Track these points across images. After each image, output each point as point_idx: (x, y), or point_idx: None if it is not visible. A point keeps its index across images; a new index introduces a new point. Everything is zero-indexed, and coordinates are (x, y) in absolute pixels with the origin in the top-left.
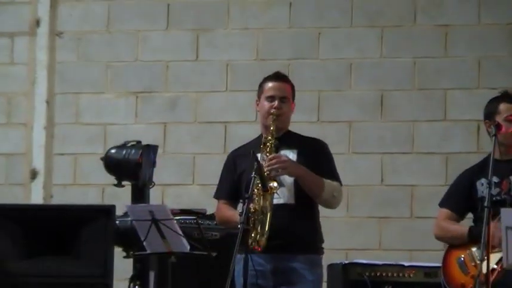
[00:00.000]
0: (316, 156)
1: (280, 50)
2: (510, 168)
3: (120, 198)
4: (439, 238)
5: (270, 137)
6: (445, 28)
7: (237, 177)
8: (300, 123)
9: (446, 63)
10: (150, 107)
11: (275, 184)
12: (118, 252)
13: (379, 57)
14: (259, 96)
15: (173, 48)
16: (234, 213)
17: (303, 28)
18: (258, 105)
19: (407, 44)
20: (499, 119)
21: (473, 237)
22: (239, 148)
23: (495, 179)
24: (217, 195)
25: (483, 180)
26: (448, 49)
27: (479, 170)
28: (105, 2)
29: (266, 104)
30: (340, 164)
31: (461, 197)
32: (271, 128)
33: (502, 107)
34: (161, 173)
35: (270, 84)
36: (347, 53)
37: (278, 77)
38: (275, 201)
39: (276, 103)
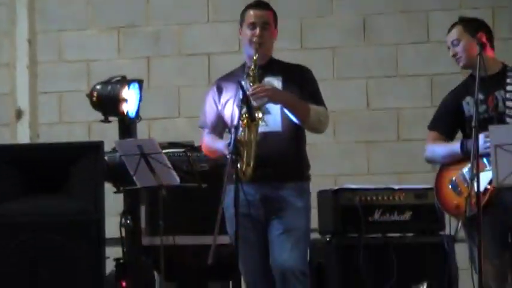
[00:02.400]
0: (300, 82)
1: None
2: (494, 83)
3: (107, 134)
4: (430, 160)
5: (253, 66)
6: None
7: (222, 106)
8: (284, 51)
9: None
10: (133, 42)
11: (260, 114)
12: (108, 187)
13: None
14: (241, 25)
15: None
16: (219, 143)
17: None
18: (240, 33)
19: None
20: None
21: (466, 148)
22: (223, 76)
23: (480, 96)
24: (202, 124)
25: (468, 99)
26: None
27: (463, 89)
28: None
29: (248, 32)
30: (325, 90)
31: (448, 118)
32: (254, 57)
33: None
34: (147, 107)
35: (251, 12)
36: None
37: (259, 4)
38: (262, 130)
39: (257, 31)
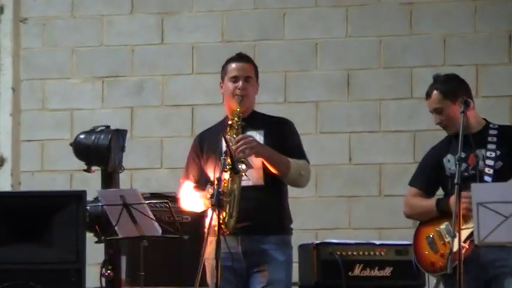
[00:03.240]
0: (282, 136)
1: (246, 31)
2: (476, 142)
3: (89, 183)
4: (408, 216)
5: (236, 118)
6: (410, 6)
7: (204, 160)
8: (267, 104)
9: (412, 40)
10: (117, 92)
11: (243, 166)
12: (89, 237)
13: (345, 37)
14: (222, 78)
15: (138, 32)
16: (201, 194)
17: (267, 9)
18: (222, 87)
19: (372, 22)
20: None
21: (442, 207)
22: (205, 130)
23: (462, 155)
24: (185, 178)
25: (449, 157)
26: (413, 27)
27: (444, 146)
28: None
29: (230, 85)
30: (308, 144)
31: (429, 175)
32: (237, 109)
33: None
34: (129, 157)
35: (233, 65)
36: (312, 33)
37: (241, 57)
38: (244, 183)
39: (240, 84)
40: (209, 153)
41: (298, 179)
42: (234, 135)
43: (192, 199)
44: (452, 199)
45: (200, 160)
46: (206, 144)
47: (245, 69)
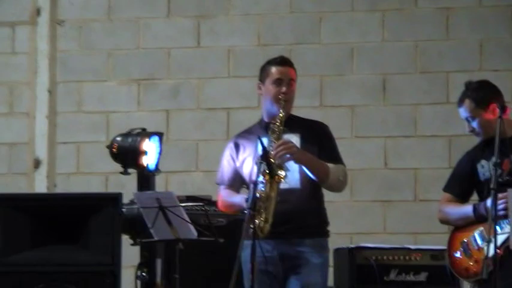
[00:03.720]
0: (319, 140)
1: (282, 35)
2: (509, 147)
3: (124, 186)
4: (443, 222)
5: (278, 123)
6: (446, 11)
7: (240, 163)
8: (303, 108)
9: (448, 46)
10: (153, 95)
11: (283, 173)
12: (125, 239)
13: (381, 41)
14: (262, 80)
15: (175, 35)
16: (237, 197)
17: (304, 13)
18: (260, 88)
19: (409, 27)
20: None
21: (479, 213)
22: (240, 133)
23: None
24: (220, 181)
25: (483, 162)
26: (450, 32)
27: (478, 152)
28: None
29: (273, 88)
30: (344, 148)
31: (463, 182)
32: (281, 114)
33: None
34: (165, 160)
35: (277, 68)
36: (349, 37)
37: (285, 61)
38: (281, 186)
39: (284, 88)
40: (245, 156)
41: (337, 184)
42: (275, 140)
43: (229, 203)
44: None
45: (235, 162)
46: (242, 147)
47: (288, 73)
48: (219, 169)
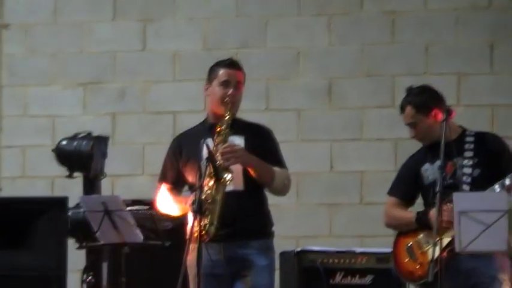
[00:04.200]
0: (263, 143)
1: (228, 38)
2: (453, 150)
3: (70, 190)
4: (388, 226)
5: (224, 126)
6: (392, 14)
7: (183, 164)
8: (249, 111)
9: (394, 49)
10: (98, 98)
11: (229, 176)
12: (71, 243)
13: (327, 45)
14: (210, 81)
15: (120, 39)
16: (181, 198)
17: (249, 16)
18: (206, 89)
19: (355, 31)
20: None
21: (421, 222)
22: (184, 133)
23: (439, 163)
24: (162, 179)
25: (427, 166)
26: (396, 35)
27: (421, 156)
28: None
29: (219, 90)
30: (289, 152)
31: (407, 185)
32: (227, 117)
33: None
34: (111, 163)
35: (224, 70)
36: (295, 41)
37: (233, 63)
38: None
39: (231, 90)
40: (188, 157)
41: (282, 188)
42: (221, 143)
43: (168, 203)
44: (432, 213)
45: (178, 163)
46: (186, 147)
47: (236, 75)
48: (162, 168)
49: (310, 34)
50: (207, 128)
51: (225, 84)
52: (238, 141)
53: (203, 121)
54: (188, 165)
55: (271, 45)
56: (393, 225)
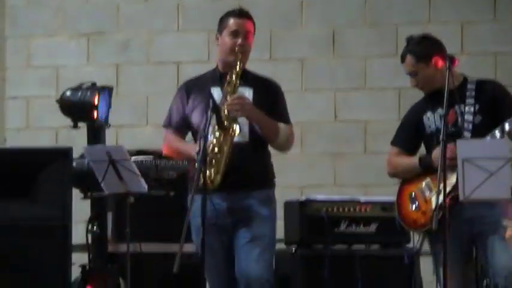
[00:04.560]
0: (271, 98)
1: None
2: (454, 98)
3: (75, 141)
4: (392, 175)
5: (234, 77)
6: None
7: (189, 110)
8: (252, 61)
9: None
10: (102, 49)
11: (237, 128)
12: (76, 193)
13: None
14: (220, 31)
15: None
16: (186, 145)
17: None
18: (217, 38)
19: None
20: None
21: (425, 164)
22: (193, 80)
23: (441, 111)
24: (167, 124)
25: (429, 114)
26: None
27: (424, 104)
28: None
29: (229, 40)
30: (293, 102)
31: (410, 135)
32: (237, 67)
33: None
34: (115, 114)
35: (234, 20)
36: None
37: (242, 13)
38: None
39: (240, 40)
40: (195, 104)
41: (285, 144)
42: (230, 93)
43: (177, 149)
44: (435, 152)
45: (185, 108)
46: (193, 94)
47: (246, 25)
48: (168, 112)
49: None
50: (217, 77)
51: (235, 34)
52: (247, 93)
53: (213, 69)
54: (195, 111)
55: None
56: (397, 173)
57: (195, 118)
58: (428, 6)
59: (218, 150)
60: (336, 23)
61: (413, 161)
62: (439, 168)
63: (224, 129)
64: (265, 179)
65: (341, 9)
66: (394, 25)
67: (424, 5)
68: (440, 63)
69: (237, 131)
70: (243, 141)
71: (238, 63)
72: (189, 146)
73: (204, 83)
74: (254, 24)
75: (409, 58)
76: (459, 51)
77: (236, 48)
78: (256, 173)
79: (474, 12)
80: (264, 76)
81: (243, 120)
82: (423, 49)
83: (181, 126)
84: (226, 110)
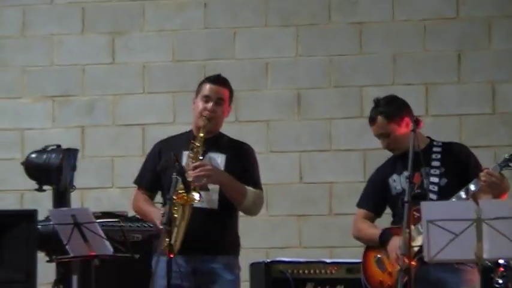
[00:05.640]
0: (243, 162)
1: (196, 50)
2: (420, 160)
3: (40, 203)
4: (356, 238)
5: (198, 143)
6: (360, 25)
7: (160, 170)
8: None
9: (361, 60)
10: (68, 111)
11: (197, 196)
12: (41, 256)
13: (295, 56)
14: (196, 95)
15: (89, 52)
16: (152, 210)
17: (217, 28)
18: (194, 103)
19: (323, 42)
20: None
21: (382, 243)
22: (166, 139)
23: (406, 174)
24: (138, 182)
25: (395, 177)
26: (363, 46)
27: (389, 167)
28: (19, 7)
29: (201, 104)
30: (259, 163)
31: (375, 197)
32: (201, 134)
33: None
34: (80, 176)
35: (208, 86)
36: (263, 53)
37: (217, 79)
38: (198, 205)
39: (210, 105)
40: (166, 165)
41: (252, 208)
42: (193, 161)
43: (144, 211)
44: (392, 244)
45: (156, 167)
46: (165, 154)
47: (219, 91)
48: (140, 171)
49: (278, 45)
50: (189, 139)
51: (206, 99)
52: (219, 159)
53: (188, 131)
54: (166, 173)
55: (240, 57)
56: (360, 239)
57: (166, 178)
58: (392, 68)
59: (179, 219)
60: (301, 84)
61: (374, 233)
62: (404, 230)
63: (189, 194)
64: (231, 245)
65: (306, 71)
66: (358, 87)
67: (389, 66)
68: (410, 124)
69: (196, 200)
70: (213, 208)
71: (202, 129)
72: (154, 213)
73: (177, 144)
74: (231, 92)
75: (380, 119)
76: (424, 113)
77: (204, 113)
78: (223, 240)
79: (438, 74)
80: (238, 141)
81: (214, 186)
82: (394, 109)
83: (152, 185)
84: (189, 178)
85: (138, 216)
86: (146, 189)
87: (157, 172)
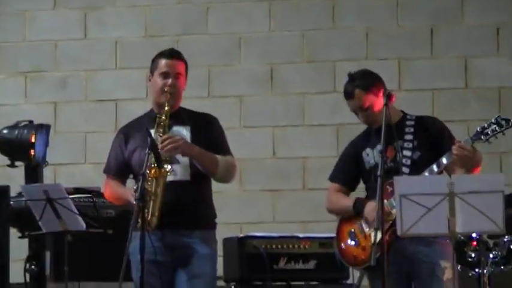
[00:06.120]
0: (208, 132)
1: (169, 25)
2: (393, 134)
3: (12, 179)
4: (330, 211)
5: (164, 116)
6: (333, 0)
7: (128, 154)
8: (191, 99)
9: (335, 34)
10: (40, 87)
11: (168, 167)
12: (13, 232)
13: (268, 31)
14: (152, 72)
15: (61, 27)
16: (124, 191)
17: (190, 3)
18: (150, 80)
19: (296, 16)
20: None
21: (357, 210)
22: (129, 124)
23: (379, 147)
24: (107, 171)
25: (368, 150)
26: (336, 21)
27: (362, 140)
28: None
29: (159, 81)
30: (232, 138)
31: (348, 170)
32: (166, 108)
33: None
34: (53, 152)
35: (164, 61)
36: (236, 28)
37: (173, 54)
38: (170, 179)
39: (170, 80)
40: (135, 147)
41: (227, 175)
42: (161, 134)
43: (117, 194)
44: (368, 207)
45: (124, 153)
46: (131, 138)
47: (176, 66)
48: (107, 159)
49: (251, 20)
50: (152, 118)
51: (164, 75)
52: (184, 131)
53: (149, 111)
54: (134, 154)
55: (213, 32)
56: (334, 211)
57: (135, 159)
58: (365, 43)
59: (153, 193)
60: (274, 59)
61: (348, 204)
62: (377, 204)
63: (161, 168)
64: (206, 219)
65: (279, 46)
66: (332, 61)
67: (362, 41)
68: (382, 92)
69: (168, 171)
70: (185, 180)
71: (167, 103)
72: (127, 192)
73: (140, 125)
74: (186, 65)
75: (358, 92)
76: (397, 88)
77: (165, 89)
78: (198, 213)
79: (411, 49)
80: (200, 112)
81: (184, 159)
82: (370, 81)
83: (121, 172)
84: (160, 151)
85: (114, 203)
86: (116, 176)
87: (125, 159)
